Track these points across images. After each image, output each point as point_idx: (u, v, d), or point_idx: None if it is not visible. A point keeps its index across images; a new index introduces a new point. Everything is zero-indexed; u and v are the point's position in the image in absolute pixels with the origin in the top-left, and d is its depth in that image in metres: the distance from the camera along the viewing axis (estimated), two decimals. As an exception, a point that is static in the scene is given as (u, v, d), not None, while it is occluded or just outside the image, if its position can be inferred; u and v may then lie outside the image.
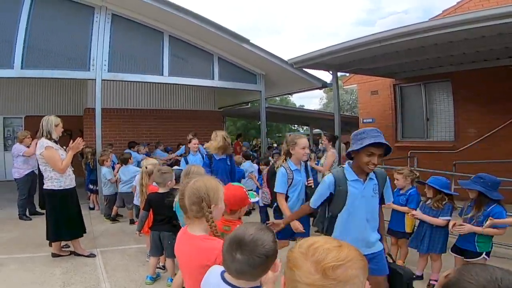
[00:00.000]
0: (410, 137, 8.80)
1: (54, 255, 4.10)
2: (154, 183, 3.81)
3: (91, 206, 7.04)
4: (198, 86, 9.06)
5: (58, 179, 3.93)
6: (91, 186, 7.02)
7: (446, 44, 5.43)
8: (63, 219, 3.99)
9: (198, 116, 11.02)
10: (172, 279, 3.15)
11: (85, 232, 4.34)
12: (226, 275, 1.26)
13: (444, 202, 3.28)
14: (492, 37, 4.93)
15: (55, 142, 4.03)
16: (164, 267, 3.67)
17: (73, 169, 4.13)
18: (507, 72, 6.64)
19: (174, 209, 2.68)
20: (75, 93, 11.13)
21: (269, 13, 79.84)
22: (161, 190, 3.33)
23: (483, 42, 5.18)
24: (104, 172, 6.16)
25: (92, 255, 4.19)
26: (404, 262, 3.86)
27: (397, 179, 3.88)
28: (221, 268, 1.30)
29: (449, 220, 3.21)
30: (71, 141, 3.99)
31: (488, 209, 2.88)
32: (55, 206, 3.98)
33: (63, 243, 4.26)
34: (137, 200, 4.67)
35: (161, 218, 3.20)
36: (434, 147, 8.03)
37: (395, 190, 4.04)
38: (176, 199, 2.74)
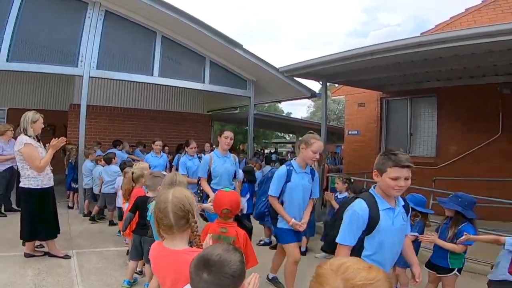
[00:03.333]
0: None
1: (27, 255, 3.95)
2: (143, 187, 3.73)
3: (70, 204, 6.86)
4: (188, 89, 8.99)
5: (36, 177, 3.79)
6: (73, 185, 6.84)
7: (435, 59, 5.49)
8: (38, 219, 3.85)
9: (186, 119, 10.96)
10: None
11: (59, 233, 4.19)
12: None
13: (416, 219, 3.34)
14: (481, 54, 5.02)
15: (38, 139, 3.91)
16: (141, 272, 3.60)
17: (51, 168, 4.00)
18: (491, 90, 6.73)
19: (148, 219, 2.63)
20: (61, 87, 10.89)
21: (266, 20, 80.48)
22: (150, 194, 3.25)
23: (472, 59, 5.26)
24: (100, 171, 5.99)
25: (67, 257, 4.05)
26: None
27: None
28: None
29: (417, 236, 3.26)
30: (55, 138, 3.85)
31: (460, 227, 2.96)
32: (31, 205, 3.84)
33: (37, 243, 4.11)
34: (119, 202, 4.59)
35: (145, 222, 3.12)
36: (416, 162, 7.95)
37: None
38: (152, 207, 2.65)
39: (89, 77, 6.43)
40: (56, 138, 3.84)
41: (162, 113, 10.63)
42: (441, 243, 3.01)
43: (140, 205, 3.19)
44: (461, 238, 2.85)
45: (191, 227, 1.57)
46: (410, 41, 4.97)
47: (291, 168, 3.26)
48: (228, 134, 4.06)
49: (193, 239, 1.60)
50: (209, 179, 4.03)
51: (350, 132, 10.03)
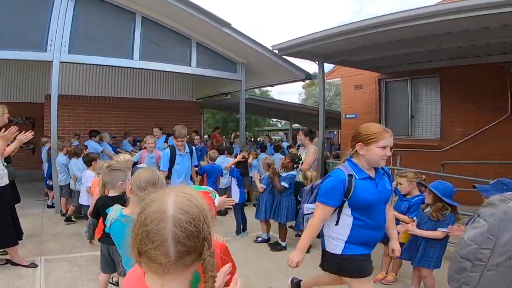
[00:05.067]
0: (394, 134, 8.39)
1: (-16, 265, 3.42)
2: None
3: (49, 203, 6.27)
4: (173, 73, 8.36)
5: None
6: (49, 182, 6.23)
7: (444, 34, 5.02)
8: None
9: (173, 107, 10.33)
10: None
11: (21, 238, 3.64)
12: None
13: (445, 212, 2.84)
14: (495, 28, 4.56)
15: None
16: (117, 283, 3.07)
17: (5, 164, 3.41)
18: (498, 69, 6.39)
19: (107, 231, 2.02)
20: (39, 77, 10.10)
21: (253, 11, 78.21)
22: (110, 193, 2.62)
23: (485, 34, 4.80)
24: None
25: (32, 265, 3.53)
26: (396, 275, 3.46)
27: (400, 183, 3.41)
28: None
29: (448, 232, 2.79)
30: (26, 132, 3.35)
31: None
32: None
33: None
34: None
35: (111, 229, 2.53)
36: (418, 146, 7.73)
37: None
38: (111, 216, 2.01)
39: (60, 62, 5.78)
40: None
41: (148, 101, 9.97)
42: None
43: (101, 208, 2.55)
44: None
45: (203, 263, 0.87)
46: (420, 12, 4.41)
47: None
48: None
49: (205, 281, 0.88)
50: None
51: (347, 116, 9.56)
